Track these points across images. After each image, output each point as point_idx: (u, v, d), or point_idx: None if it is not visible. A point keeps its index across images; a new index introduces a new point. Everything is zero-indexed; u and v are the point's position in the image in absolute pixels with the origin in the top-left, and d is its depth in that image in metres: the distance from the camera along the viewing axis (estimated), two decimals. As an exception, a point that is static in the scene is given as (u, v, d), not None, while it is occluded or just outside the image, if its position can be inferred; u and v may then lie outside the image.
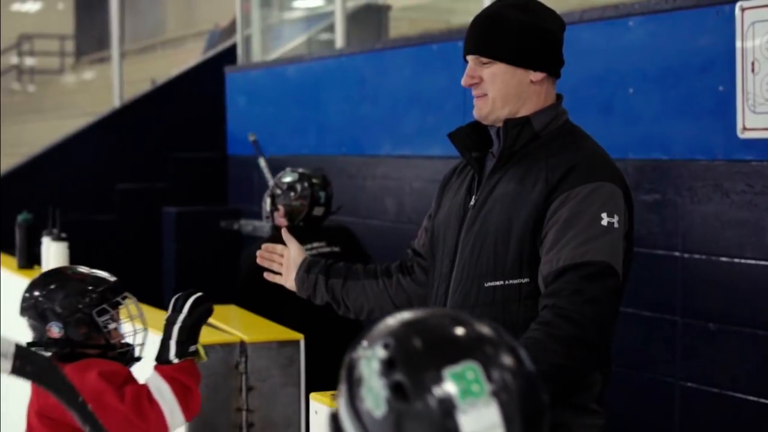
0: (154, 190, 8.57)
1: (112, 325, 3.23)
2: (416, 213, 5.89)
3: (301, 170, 5.24)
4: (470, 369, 1.34)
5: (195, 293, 3.25)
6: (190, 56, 12.54)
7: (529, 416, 1.32)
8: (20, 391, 3.32)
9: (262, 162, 6.57)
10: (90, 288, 3.22)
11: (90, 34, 20.49)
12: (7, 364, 2.28)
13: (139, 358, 3.28)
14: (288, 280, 3.19)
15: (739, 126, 4.08)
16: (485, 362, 1.35)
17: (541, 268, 2.68)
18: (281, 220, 5.15)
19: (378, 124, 6.53)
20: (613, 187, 2.71)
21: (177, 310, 3.23)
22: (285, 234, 3.21)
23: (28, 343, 3.20)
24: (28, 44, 20.63)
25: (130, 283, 3.37)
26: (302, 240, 5.01)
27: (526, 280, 2.71)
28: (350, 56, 6.88)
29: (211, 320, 3.55)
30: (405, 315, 1.44)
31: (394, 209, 6.25)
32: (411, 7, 9.55)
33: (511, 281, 2.73)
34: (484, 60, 2.80)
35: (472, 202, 2.85)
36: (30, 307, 3.24)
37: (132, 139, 8.66)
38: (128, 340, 3.28)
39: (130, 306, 3.30)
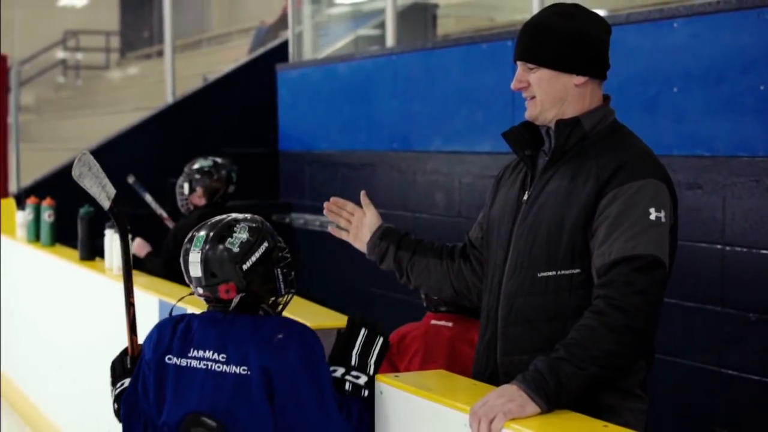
0: (206, 185, 8.69)
1: None
2: (465, 207, 5.98)
3: (211, 157, 5.93)
4: (202, 236, 3.03)
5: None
6: (235, 53, 12.66)
7: (214, 263, 3.00)
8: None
9: (148, 197, 6.62)
10: None
11: (135, 30, 20.62)
12: (108, 203, 3.22)
13: None
14: (357, 240, 3.34)
15: (780, 124, 4.16)
16: (206, 236, 3.03)
17: (594, 260, 2.80)
18: (198, 200, 5.83)
19: (428, 121, 6.56)
20: (659, 183, 2.83)
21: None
22: (364, 199, 3.33)
23: None
24: (73, 40, 20.74)
25: (182, 275, 3.51)
26: None
27: (577, 270, 2.84)
28: (400, 55, 6.91)
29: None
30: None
31: (444, 203, 6.29)
32: (456, 4, 9.57)
33: (563, 272, 2.86)
34: (530, 66, 2.95)
35: (525, 197, 2.98)
36: None
37: (185, 134, 8.67)
38: None
39: None
